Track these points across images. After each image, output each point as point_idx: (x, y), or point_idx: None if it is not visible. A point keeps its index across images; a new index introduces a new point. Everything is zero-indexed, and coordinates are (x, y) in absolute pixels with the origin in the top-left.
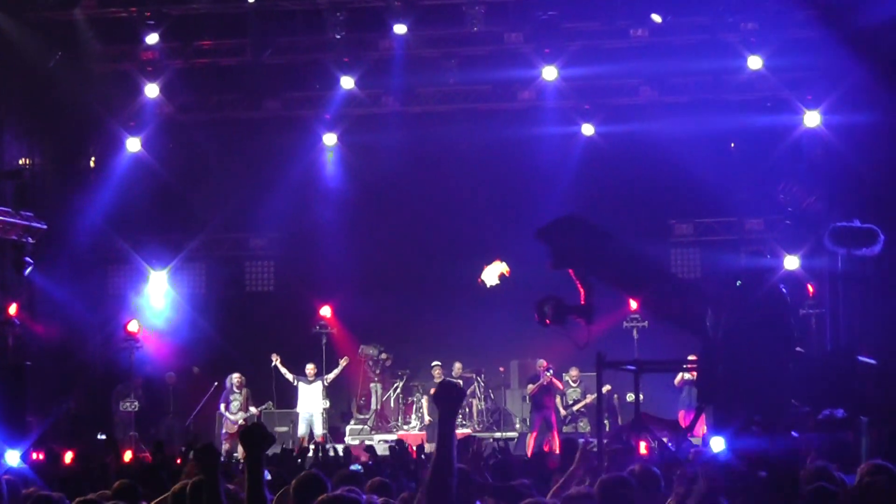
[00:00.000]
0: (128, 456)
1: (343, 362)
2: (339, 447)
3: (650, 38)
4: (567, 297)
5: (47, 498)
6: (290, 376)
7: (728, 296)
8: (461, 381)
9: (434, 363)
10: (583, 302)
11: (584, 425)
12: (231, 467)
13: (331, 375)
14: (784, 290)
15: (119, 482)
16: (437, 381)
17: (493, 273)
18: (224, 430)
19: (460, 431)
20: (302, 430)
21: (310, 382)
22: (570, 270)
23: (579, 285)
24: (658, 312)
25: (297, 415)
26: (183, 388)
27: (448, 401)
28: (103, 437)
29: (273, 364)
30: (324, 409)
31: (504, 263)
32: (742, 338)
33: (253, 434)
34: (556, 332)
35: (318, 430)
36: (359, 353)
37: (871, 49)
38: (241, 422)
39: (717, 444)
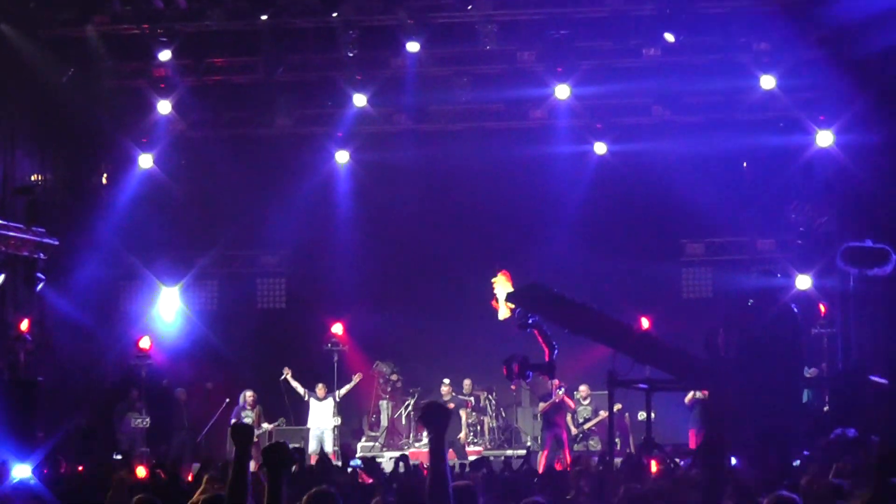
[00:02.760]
0: (141, 472)
1: (356, 378)
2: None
3: (662, 57)
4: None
5: None
6: (301, 390)
7: (739, 315)
8: (471, 399)
9: (444, 381)
10: (546, 360)
11: (594, 443)
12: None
13: (343, 390)
14: (795, 309)
15: (139, 497)
16: (446, 397)
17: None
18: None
19: (471, 449)
20: (312, 446)
21: (321, 399)
22: (535, 331)
23: (543, 345)
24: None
25: (308, 431)
26: (195, 404)
27: (435, 420)
28: (119, 457)
29: (283, 377)
30: (335, 427)
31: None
32: (752, 358)
33: (277, 454)
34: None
35: (329, 447)
36: (373, 369)
37: (874, 76)
38: (253, 439)
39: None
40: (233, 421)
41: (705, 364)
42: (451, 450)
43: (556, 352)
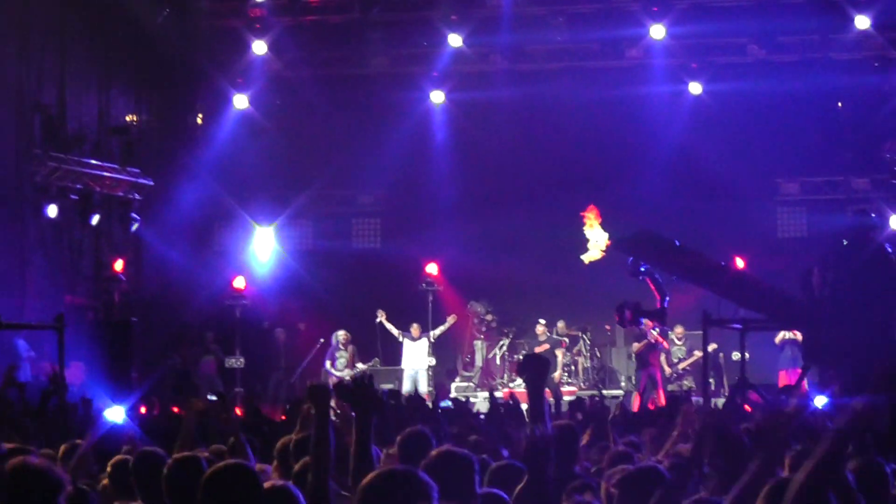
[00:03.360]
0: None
1: (451, 320)
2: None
3: None
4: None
5: (152, 454)
6: (395, 332)
7: (834, 255)
8: (566, 339)
9: (540, 321)
10: (658, 307)
11: (688, 383)
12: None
13: (437, 331)
14: (890, 249)
15: (233, 439)
16: (541, 338)
17: (595, 251)
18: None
19: (566, 389)
20: (407, 386)
21: (415, 340)
22: (647, 279)
23: (655, 292)
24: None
25: (402, 371)
26: (291, 343)
27: (532, 373)
28: (213, 397)
29: (378, 320)
30: (429, 367)
31: (602, 237)
32: (848, 297)
33: (364, 396)
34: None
35: (423, 388)
36: (467, 308)
37: None
38: (347, 378)
39: (821, 404)
40: (327, 363)
41: (802, 304)
42: (546, 389)
43: (667, 299)
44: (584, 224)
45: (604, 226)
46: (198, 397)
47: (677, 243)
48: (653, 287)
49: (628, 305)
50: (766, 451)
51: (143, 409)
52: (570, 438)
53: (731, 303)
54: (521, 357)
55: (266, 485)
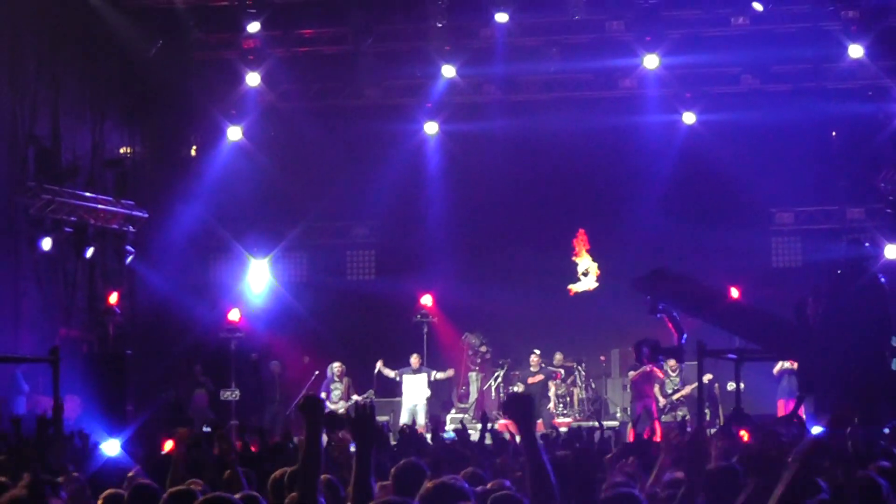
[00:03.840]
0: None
1: (450, 372)
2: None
3: (751, 26)
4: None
5: (147, 487)
6: (392, 374)
7: (828, 284)
8: (561, 370)
9: (534, 351)
10: (675, 344)
11: (682, 414)
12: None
13: (439, 375)
14: (883, 280)
15: (228, 473)
16: (534, 368)
17: (587, 282)
18: None
19: (560, 421)
20: (405, 418)
21: (414, 372)
22: (665, 317)
23: (672, 329)
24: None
25: (398, 404)
26: (286, 376)
27: (519, 412)
28: (208, 429)
29: (377, 370)
30: (426, 398)
31: (591, 266)
32: (841, 326)
33: (365, 426)
34: (657, 321)
35: (421, 421)
36: (462, 340)
37: None
38: (342, 410)
39: (817, 433)
40: (322, 395)
41: (799, 333)
42: (539, 420)
43: (685, 336)
44: (574, 254)
45: (596, 255)
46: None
47: (696, 280)
48: (670, 325)
49: (647, 343)
50: (761, 477)
51: (164, 447)
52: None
53: (739, 337)
54: (504, 397)
55: None
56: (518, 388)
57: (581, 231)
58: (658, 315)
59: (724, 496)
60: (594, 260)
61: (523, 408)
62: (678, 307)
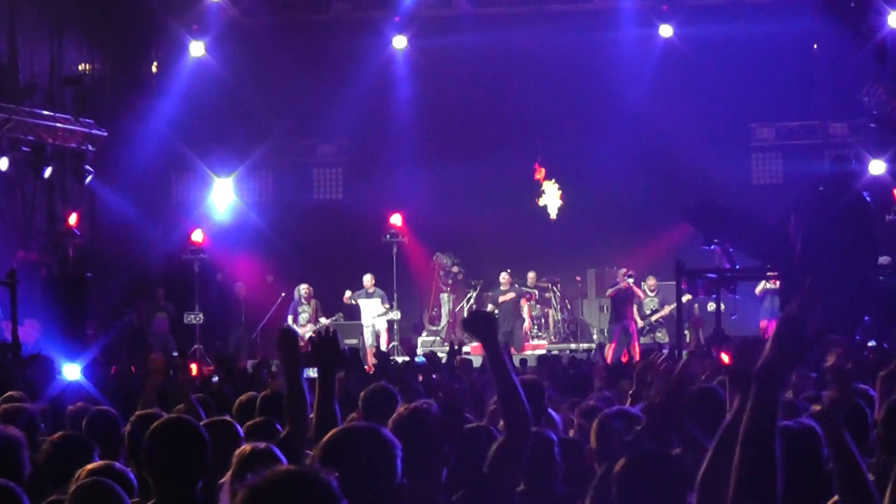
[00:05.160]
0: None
1: (394, 315)
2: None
3: None
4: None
5: (107, 413)
6: (348, 297)
7: (810, 202)
8: (535, 291)
9: (506, 270)
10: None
11: (661, 335)
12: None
13: (381, 314)
14: (868, 197)
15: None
16: (504, 287)
17: (552, 198)
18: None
19: (536, 343)
20: (369, 341)
21: (368, 296)
22: (717, 248)
23: (725, 261)
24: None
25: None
26: (252, 299)
27: (481, 330)
28: (176, 354)
29: (348, 299)
30: (390, 321)
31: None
32: (823, 245)
33: (327, 351)
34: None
35: (383, 343)
36: (433, 260)
37: None
38: (310, 334)
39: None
40: (289, 318)
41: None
42: (508, 343)
43: (737, 266)
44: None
45: (570, 174)
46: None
47: (738, 210)
48: (722, 255)
49: (697, 273)
50: (742, 392)
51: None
52: (535, 394)
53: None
54: (465, 314)
55: None
56: (489, 308)
57: (536, 165)
58: (711, 247)
59: (707, 419)
60: (559, 183)
61: (485, 325)
62: (728, 240)
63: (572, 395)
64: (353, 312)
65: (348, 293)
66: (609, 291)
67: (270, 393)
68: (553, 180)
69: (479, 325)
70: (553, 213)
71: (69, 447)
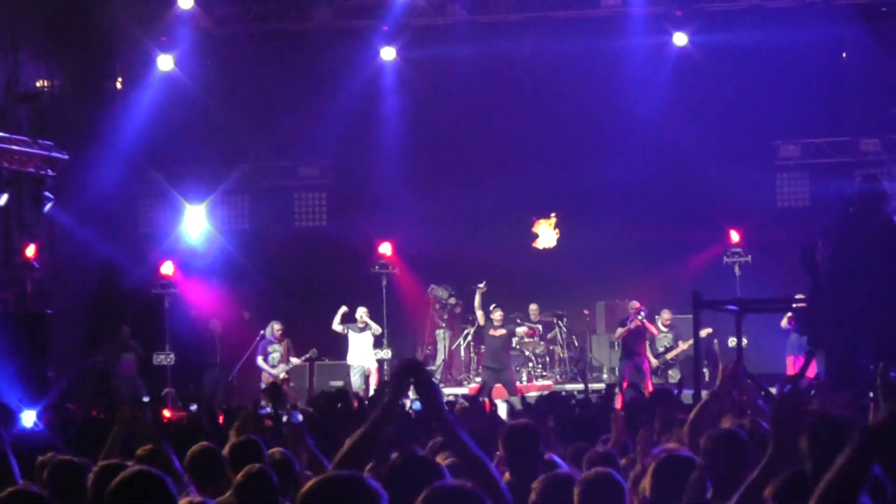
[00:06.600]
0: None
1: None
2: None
3: None
4: None
5: (70, 463)
6: (339, 327)
7: (839, 226)
8: (539, 326)
9: (497, 306)
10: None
11: (673, 374)
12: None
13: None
14: None
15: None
16: (497, 324)
17: (547, 237)
18: (263, 386)
19: (541, 384)
20: (357, 383)
21: (361, 330)
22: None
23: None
24: None
25: (349, 367)
26: (228, 337)
27: (410, 381)
28: (147, 399)
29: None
30: (379, 361)
31: (552, 221)
32: (853, 273)
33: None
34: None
35: (373, 384)
36: (427, 293)
37: None
38: (282, 375)
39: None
40: (259, 358)
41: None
42: (498, 385)
43: None
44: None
45: (579, 199)
46: (121, 402)
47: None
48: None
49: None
50: (779, 441)
51: (53, 415)
52: (526, 442)
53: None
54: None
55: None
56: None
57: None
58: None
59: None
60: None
61: (414, 376)
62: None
63: (577, 440)
64: (334, 343)
65: (338, 321)
66: (619, 332)
67: (242, 441)
68: (548, 217)
69: (407, 377)
70: (551, 246)
71: None
